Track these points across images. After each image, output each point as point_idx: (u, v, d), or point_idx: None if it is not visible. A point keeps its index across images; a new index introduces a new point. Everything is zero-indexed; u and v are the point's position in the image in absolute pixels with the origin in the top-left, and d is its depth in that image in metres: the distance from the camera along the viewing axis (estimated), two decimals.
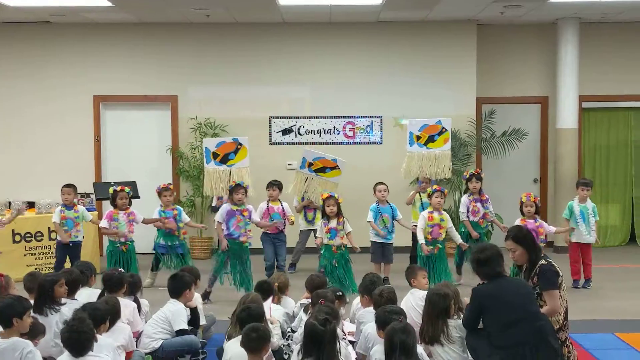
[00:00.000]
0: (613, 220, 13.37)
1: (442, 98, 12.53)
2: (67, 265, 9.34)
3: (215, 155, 10.11)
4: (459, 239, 9.56)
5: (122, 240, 9.38)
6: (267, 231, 10.08)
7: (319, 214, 10.03)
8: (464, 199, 10.13)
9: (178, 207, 10.15)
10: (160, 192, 9.96)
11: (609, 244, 13.24)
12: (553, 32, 12.69)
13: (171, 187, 10.12)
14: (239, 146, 10.21)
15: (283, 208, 10.20)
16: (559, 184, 12.65)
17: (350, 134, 12.70)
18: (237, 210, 9.19)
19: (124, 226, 9.38)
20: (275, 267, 10.10)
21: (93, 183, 11.71)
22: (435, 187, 9.58)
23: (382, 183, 10.12)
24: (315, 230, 10.39)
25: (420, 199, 10.36)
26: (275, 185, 10.21)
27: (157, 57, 12.65)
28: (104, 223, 9.43)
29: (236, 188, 9.26)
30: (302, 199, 10.85)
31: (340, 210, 9.18)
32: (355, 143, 12.67)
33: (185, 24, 12.50)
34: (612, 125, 13.39)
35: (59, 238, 9.72)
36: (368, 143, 12.70)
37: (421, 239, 9.23)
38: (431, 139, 10.65)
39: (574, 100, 12.55)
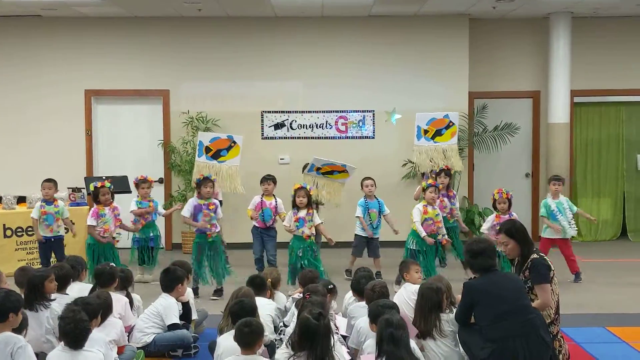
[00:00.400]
0: (604, 214, 13.40)
1: (434, 92, 12.54)
2: (54, 260, 9.35)
3: (207, 149, 10.11)
4: (445, 235, 9.43)
5: (109, 239, 9.29)
6: (256, 224, 10.00)
7: None
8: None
9: (155, 200, 10.11)
10: (138, 184, 9.97)
11: (600, 238, 13.28)
12: (545, 26, 12.70)
13: (149, 178, 10.05)
14: (232, 144, 10.21)
15: (276, 204, 10.04)
16: None
17: (343, 128, 12.69)
18: (204, 204, 9.17)
19: (111, 221, 9.32)
20: (263, 262, 9.99)
21: (85, 177, 11.66)
22: (430, 181, 9.56)
23: (369, 178, 10.11)
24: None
25: None
26: (269, 179, 10.08)
27: (149, 51, 12.61)
28: (91, 221, 9.29)
29: (204, 181, 9.23)
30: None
31: (311, 202, 9.19)
32: (347, 137, 12.66)
33: (177, 18, 12.45)
34: (603, 120, 13.41)
35: (42, 233, 9.58)
36: (360, 137, 12.69)
37: (422, 232, 9.19)
38: (438, 133, 10.67)
39: (565, 94, 12.57)
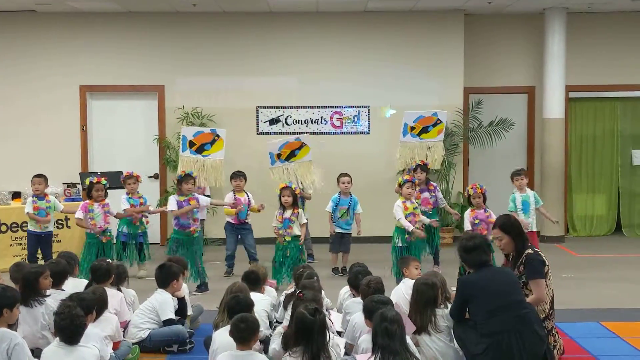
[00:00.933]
0: (599, 210, 13.44)
1: (429, 88, 12.55)
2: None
3: (191, 144, 10.12)
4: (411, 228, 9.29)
5: (98, 233, 9.27)
6: (231, 221, 9.99)
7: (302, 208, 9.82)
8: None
9: (144, 196, 10.09)
10: (125, 180, 9.92)
11: (595, 233, 13.32)
12: (540, 22, 12.70)
13: (135, 174, 10.00)
14: (216, 137, 10.26)
15: (249, 198, 10.04)
16: (546, 173, 12.70)
17: (338, 123, 12.69)
18: (184, 200, 9.12)
19: (100, 217, 9.30)
20: (234, 259, 10.03)
21: (79, 173, 11.65)
22: (406, 177, 9.53)
23: (346, 175, 10.14)
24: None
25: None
26: (241, 175, 10.12)
27: (144, 46, 12.58)
28: (79, 214, 9.32)
29: (185, 178, 9.20)
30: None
31: (297, 201, 9.16)
32: (342, 133, 12.66)
33: (172, 13, 12.44)
34: (598, 115, 13.43)
35: (30, 228, 9.59)
36: (355, 133, 12.69)
37: (409, 226, 9.15)
38: (425, 130, 10.73)
39: (560, 90, 12.58)
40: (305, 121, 12.61)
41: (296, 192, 9.20)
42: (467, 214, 9.22)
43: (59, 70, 12.47)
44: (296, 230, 9.11)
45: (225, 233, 10.19)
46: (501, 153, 12.93)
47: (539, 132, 13.00)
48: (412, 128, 10.80)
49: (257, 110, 12.61)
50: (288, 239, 9.06)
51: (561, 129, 12.74)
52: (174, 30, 12.55)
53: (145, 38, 12.58)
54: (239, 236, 10.04)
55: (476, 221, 8.89)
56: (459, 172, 12.52)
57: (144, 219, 10.00)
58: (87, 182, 9.56)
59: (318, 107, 12.65)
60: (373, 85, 12.60)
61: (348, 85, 12.65)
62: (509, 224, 6.24)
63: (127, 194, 9.88)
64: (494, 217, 9.13)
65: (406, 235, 9.15)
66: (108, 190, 9.67)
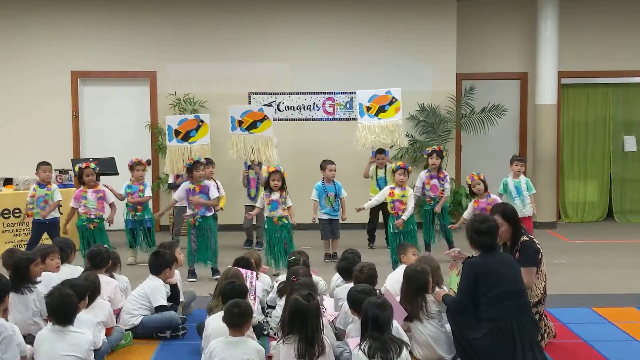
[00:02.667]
0: (591, 196, 13.48)
1: (422, 74, 12.53)
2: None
3: (177, 132, 10.11)
4: (404, 216, 9.23)
5: (92, 216, 9.25)
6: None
7: (261, 190, 9.73)
8: (422, 174, 10.15)
9: (145, 182, 10.04)
10: (133, 167, 9.87)
11: (586, 219, 13.36)
12: (533, 7, 12.68)
13: (143, 161, 10.02)
14: (200, 123, 10.25)
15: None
16: (538, 160, 12.72)
17: (330, 110, 12.67)
18: (194, 188, 9.08)
19: (94, 204, 9.26)
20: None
21: (71, 159, 11.61)
22: (399, 163, 9.51)
23: (331, 162, 10.10)
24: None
25: (377, 173, 10.50)
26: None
27: (136, 32, 12.51)
28: (73, 203, 9.30)
29: (195, 165, 9.13)
30: (246, 165, 10.74)
31: (285, 185, 9.14)
32: (334, 119, 12.64)
33: None
34: (590, 102, 13.45)
35: (35, 216, 9.57)
36: (348, 119, 12.66)
37: (367, 204, 9.60)
38: (382, 109, 10.71)
39: (553, 76, 12.59)
40: (297, 107, 12.59)
41: (284, 175, 9.14)
42: (470, 205, 9.27)
43: (50, 56, 12.40)
44: (281, 212, 9.05)
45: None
46: (494, 139, 12.94)
47: (532, 119, 13.01)
48: (369, 108, 10.78)
49: (250, 97, 12.57)
50: (285, 220, 9.02)
51: (554, 115, 12.75)
52: (166, 16, 12.48)
53: (137, 24, 12.51)
54: None
55: (477, 212, 8.79)
56: (451, 158, 12.52)
57: (149, 206, 9.93)
58: (76, 168, 9.52)
59: (310, 93, 12.63)
60: (365, 72, 12.55)
61: (340, 72, 12.61)
62: (509, 211, 6.23)
63: (131, 180, 9.82)
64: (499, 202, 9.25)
65: (395, 222, 9.18)
66: (101, 177, 9.62)
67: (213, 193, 9.21)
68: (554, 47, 12.51)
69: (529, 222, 9.85)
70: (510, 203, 9.63)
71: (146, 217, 9.85)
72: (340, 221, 10.15)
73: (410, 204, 9.27)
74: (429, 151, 10.15)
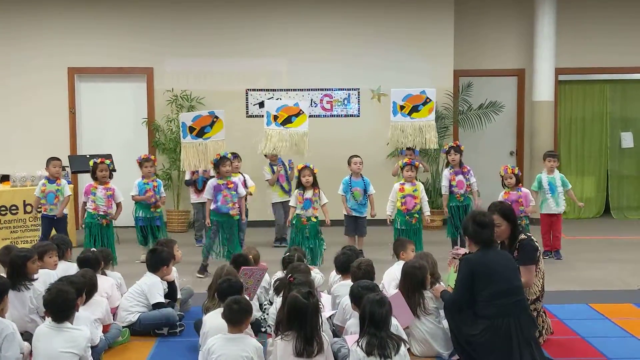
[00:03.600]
0: (588, 192, 13.49)
1: (419, 70, 12.52)
2: None
3: (191, 129, 10.06)
4: (427, 211, 9.41)
5: (102, 213, 9.23)
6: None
7: (294, 184, 9.87)
8: (445, 172, 10.11)
9: (158, 179, 10.04)
10: (142, 163, 9.81)
11: (583, 215, 13.37)
12: (530, 4, 12.69)
13: (152, 157, 10.03)
14: (214, 119, 10.18)
15: (245, 179, 10.10)
16: (535, 156, 12.72)
17: (328, 106, 12.67)
18: (222, 184, 9.06)
19: (102, 201, 9.23)
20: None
21: (68, 156, 11.58)
22: (405, 160, 9.55)
23: (357, 156, 10.03)
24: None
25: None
26: (236, 157, 10.14)
27: (133, 28, 12.50)
28: (84, 198, 9.27)
29: (222, 160, 9.09)
30: (272, 170, 10.79)
31: (316, 181, 9.14)
32: (332, 116, 12.64)
33: None
34: (587, 98, 13.47)
35: (44, 212, 9.56)
36: (345, 116, 12.68)
37: (389, 210, 9.33)
38: (415, 109, 10.63)
39: (550, 72, 12.60)
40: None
41: (315, 171, 9.15)
42: (501, 196, 9.35)
43: (47, 52, 12.39)
44: (312, 211, 9.04)
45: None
46: (491, 136, 12.95)
47: (529, 115, 13.03)
48: (402, 107, 10.70)
49: (247, 93, 12.57)
50: (314, 219, 9.04)
51: (551, 112, 12.77)
52: (163, 12, 12.47)
53: (134, 20, 12.49)
54: None
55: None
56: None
57: (157, 204, 9.83)
58: (90, 163, 9.47)
59: (308, 89, 12.62)
60: (363, 68, 12.57)
61: (338, 68, 12.62)
62: (507, 210, 6.20)
63: (142, 177, 9.78)
64: (530, 198, 9.39)
65: (406, 217, 9.21)
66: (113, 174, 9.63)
67: (241, 191, 9.25)
68: (551, 43, 12.52)
69: (558, 221, 9.95)
70: (545, 199, 9.74)
71: (156, 214, 9.79)
72: (369, 217, 9.96)
73: (425, 197, 9.44)
74: (446, 148, 10.16)
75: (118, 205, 9.42)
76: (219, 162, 9.11)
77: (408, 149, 10.72)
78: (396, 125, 10.65)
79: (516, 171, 9.46)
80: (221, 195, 9.03)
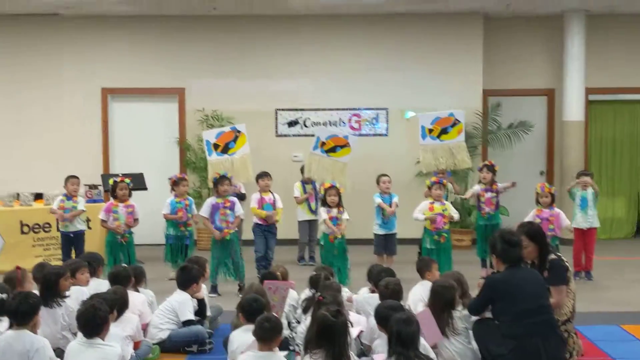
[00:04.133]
0: (619, 213, 13.37)
1: (448, 90, 12.52)
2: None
3: (215, 146, 10.13)
4: (456, 214, 9.55)
5: (122, 233, 9.34)
6: (259, 222, 9.98)
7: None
8: (476, 186, 10.21)
9: (190, 198, 10.13)
10: (178, 182, 9.84)
11: (614, 236, 13.24)
12: (559, 23, 12.66)
13: (186, 176, 10.14)
14: (237, 134, 10.22)
15: (274, 199, 10.07)
16: (565, 176, 12.62)
17: (356, 126, 12.72)
18: (220, 202, 9.18)
19: (123, 218, 9.34)
20: (268, 259, 9.96)
21: (101, 175, 11.75)
22: (433, 179, 9.61)
23: (385, 175, 10.13)
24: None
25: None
26: (268, 175, 10.22)
27: (165, 49, 12.68)
28: (102, 215, 9.39)
29: (221, 180, 9.24)
30: (304, 189, 10.87)
31: (341, 200, 9.22)
32: (360, 135, 12.65)
33: (192, 17, 12.52)
34: (618, 118, 13.38)
35: (61, 229, 9.73)
36: (374, 135, 12.72)
37: (415, 214, 9.45)
38: (444, 131, 10.60)
39: (580, 92, 12.54)
40: (323, 123, 12.65)
41: (341, 191, 9.23)
42: (532, 213, 9.38)
43: (80, 73, 12.61)
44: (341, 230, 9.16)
45: (254, 235, 10.09)
46: (520, 155, 12.90)
47: (559, 135, 12.97)
48: (431, 130, 10.72)
49: (276, 113, 12.67)
50: (339, 236, 9.11)
51: (581, 132, 12.69)
52: (194, 33, 12.64)
53: (165, 41, 12.68)
54: (266, 237, 10.00)
55: (537, 220, 8.92)
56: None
57: (188, 222, 9.89)
58: (110, 182, 9.65)
59: (336, 109, 12.70)
60: (392, 88, 12.62)
61: (367, 88, 12.68)
62: (534, 231, 6.18)
63: (175, 196, 9.83)
64: (562, 218, 9.37)
65: (434, 237, 9.21)
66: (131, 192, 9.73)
67: (238, 209, 9.33)
68: (580, 63, 12.47)
69: (591, 241, 9.95)
70: (575, 214, 9.85)
71: (186, 233, 9.84)
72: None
73: (454, 210, 9.56)
74: (480, 166, 10.24)
75: (136, 220, 9.55)
76: (217, 182, 9.24)
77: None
78: (426, 147, 10.64)
79: (552, 190, 9.50)
80: (218, 214, 9.16)
